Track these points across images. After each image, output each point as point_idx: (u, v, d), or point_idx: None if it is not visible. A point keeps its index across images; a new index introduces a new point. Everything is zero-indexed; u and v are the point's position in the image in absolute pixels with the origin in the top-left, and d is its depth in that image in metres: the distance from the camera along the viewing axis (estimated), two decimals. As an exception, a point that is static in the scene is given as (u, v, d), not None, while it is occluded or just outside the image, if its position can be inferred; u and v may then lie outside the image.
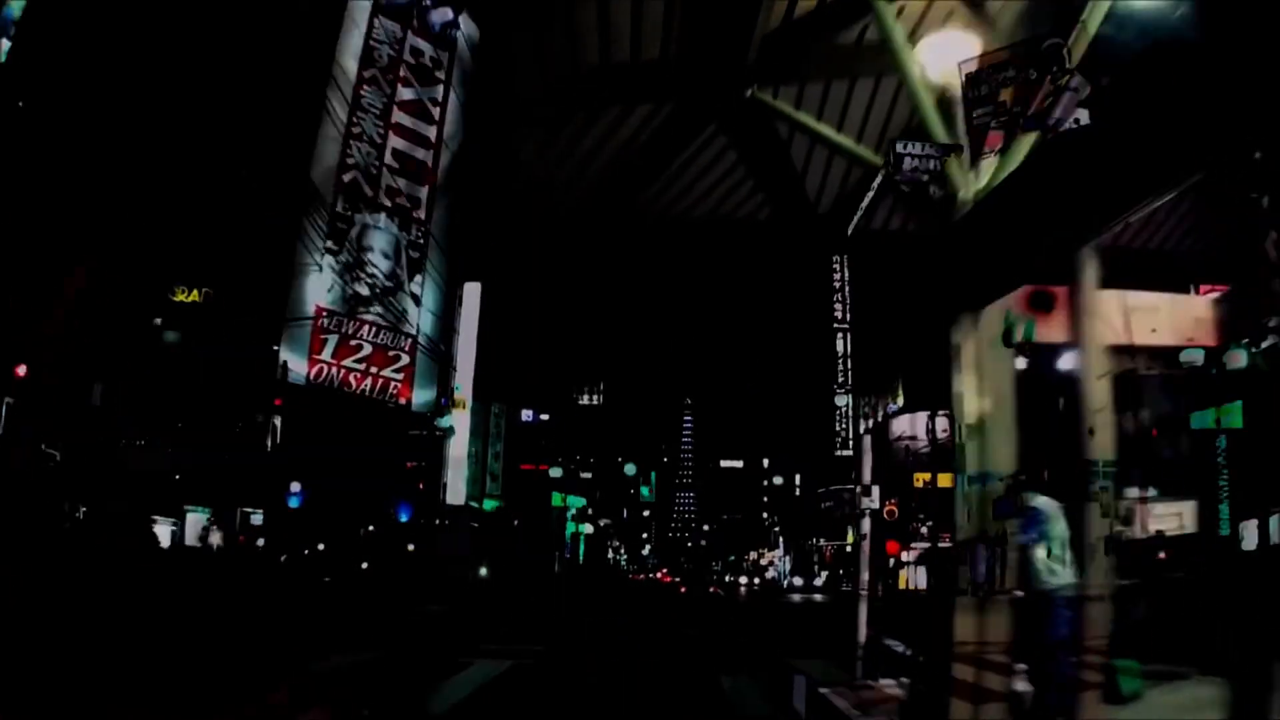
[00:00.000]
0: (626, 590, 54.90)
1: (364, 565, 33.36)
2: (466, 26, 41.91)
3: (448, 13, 41.32)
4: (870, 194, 59.11)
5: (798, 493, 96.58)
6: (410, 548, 36.74)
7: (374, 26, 38.31)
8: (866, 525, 10.83)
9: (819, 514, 78.96)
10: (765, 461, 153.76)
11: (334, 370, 33.63)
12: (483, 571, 39.62)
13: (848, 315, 79.90)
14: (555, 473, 57.93)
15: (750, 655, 14.94)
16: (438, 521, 38.49)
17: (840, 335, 79.09)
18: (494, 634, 16.14)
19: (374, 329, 35.09)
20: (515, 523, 50.42)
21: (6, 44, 16.23)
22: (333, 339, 33.82)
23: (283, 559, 26.52)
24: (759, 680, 11.81)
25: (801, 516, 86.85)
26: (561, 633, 18.08)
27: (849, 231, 66.20)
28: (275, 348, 32.57)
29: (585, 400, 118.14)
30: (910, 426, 53.63)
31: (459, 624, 18.50)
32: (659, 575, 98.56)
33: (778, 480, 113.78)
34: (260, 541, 26.76)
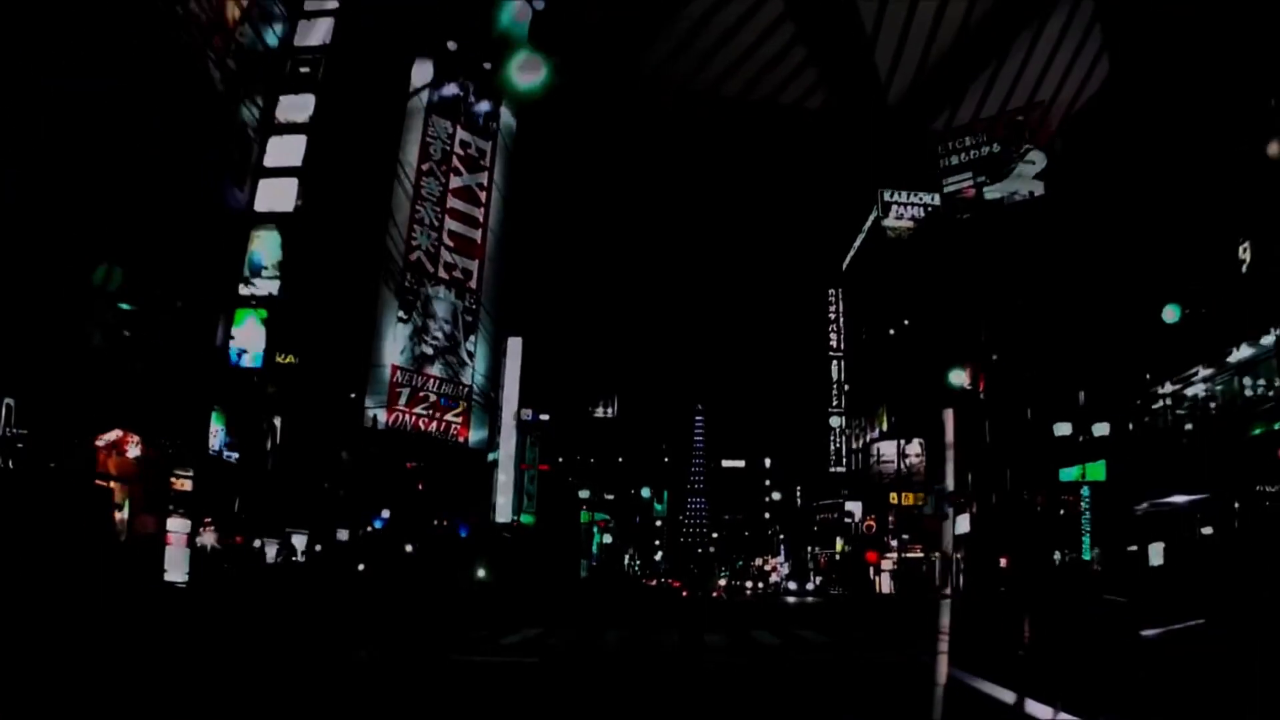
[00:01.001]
0: (641, 592, 62.82)
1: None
2: (505, 117, 50.01)
3: (487, 104, 49.31)
4: (861, 236, 70.10)
5: (799, 504, 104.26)
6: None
7: (429, 125, 46.26)
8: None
9: (814, 525, 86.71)
10: (767, 461, 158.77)
11: (407, 417, 41.59)
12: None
13: (842, 344, 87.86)
14: (584, 494, 66.01)
15: (727, 626, 22.66)
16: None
17: (835, 362, 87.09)
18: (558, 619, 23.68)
19: (438, 382, 43.07)
20: (535, 534, 57.38)
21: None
22: (405, 392, 41.78)
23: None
24: (728, 635, 19.59)
25: (800, 527, 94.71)
26: (602, 617, 25.66)
27: (843, 267, 76.17)
28: (353, 395, 40.39)
29: (600, 413, 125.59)
30: (888, 452, 61.14)
31: (526, 615, 25.85)
32: (670, 582, 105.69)
33: (776, 496, 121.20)
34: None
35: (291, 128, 24.38)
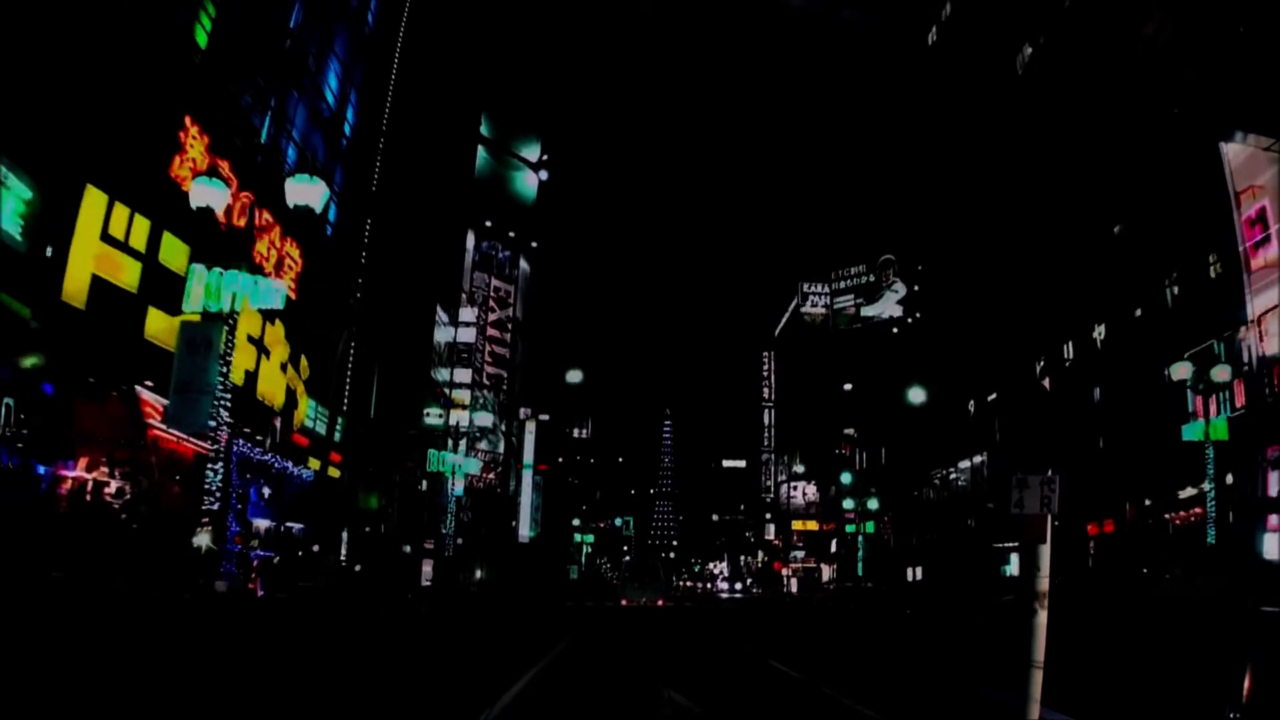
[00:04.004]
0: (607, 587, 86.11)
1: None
2: (522, 264, 72.98)
3: (508, 254, 72.20)
4: (787, 315, 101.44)
5: (742, 520, 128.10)
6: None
7: (473, 279, 68.96)
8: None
9: (750, 538, 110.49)
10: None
11: (470, 479, 64.33)
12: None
13: (773, 396, 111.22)
14: (575, 521, 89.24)
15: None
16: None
17: (766, 411, 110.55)
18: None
19: (486, 454, 65.88)
20: (538, 546, 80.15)
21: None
22: (465, 462, 64.44)
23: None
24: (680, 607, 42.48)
25: (738, 540, 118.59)
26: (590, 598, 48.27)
27: (776, 333, 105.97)
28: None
29: (576, 434, 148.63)
30: (792, 490, 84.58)
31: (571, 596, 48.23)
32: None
33: (715, 517, 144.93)
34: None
35: (462, 385, 47.50)
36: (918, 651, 14.35)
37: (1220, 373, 26.39)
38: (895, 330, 72.24)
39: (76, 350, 13.80)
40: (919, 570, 56.56)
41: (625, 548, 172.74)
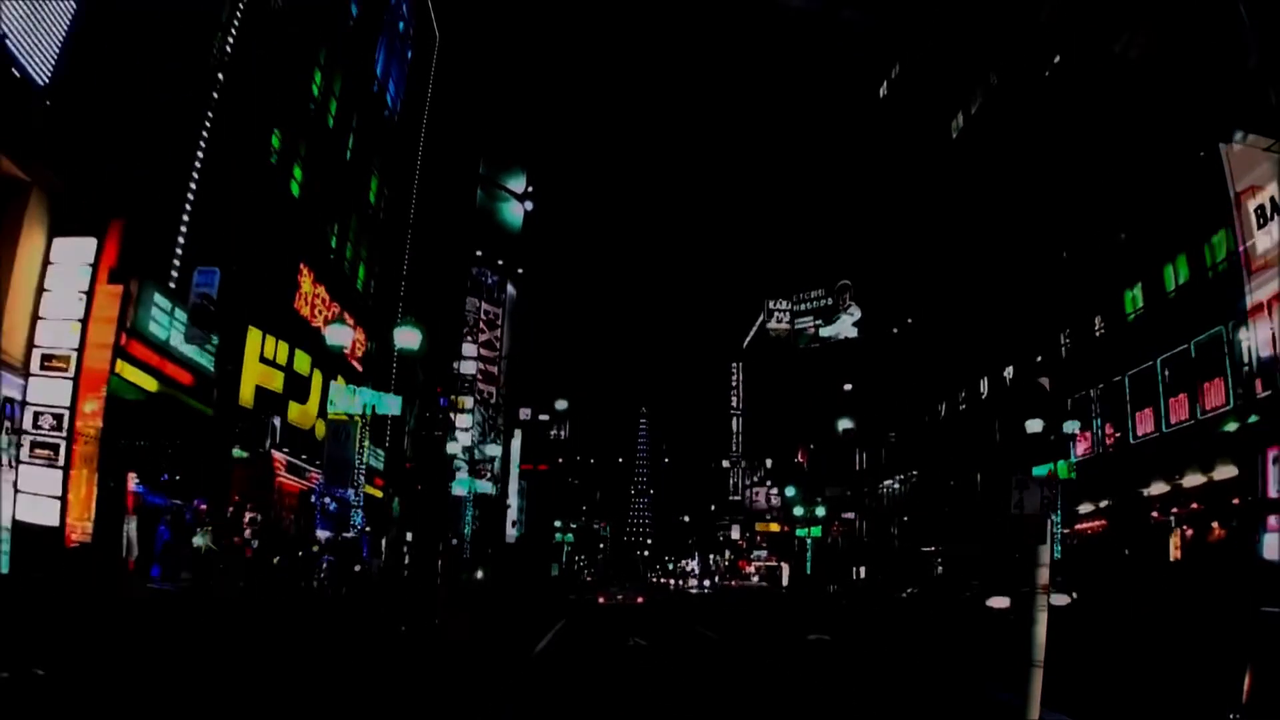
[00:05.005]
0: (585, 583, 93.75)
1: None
2: (509, 289, 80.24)
3: (495, 279, 79.46)
4: (754, 329, 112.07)
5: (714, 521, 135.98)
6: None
7: (467, 303, 76.15)
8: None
9: (719, 537, 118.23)
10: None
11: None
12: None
13: (740, 405, 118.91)
14: (558, 523, 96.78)
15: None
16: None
17: (734, 419, 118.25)
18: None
19: (479, 460, 73.06)
20: (523, 546, 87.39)
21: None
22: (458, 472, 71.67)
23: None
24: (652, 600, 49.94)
25: (708, 538, 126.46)
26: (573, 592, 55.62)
27: (744, 345, 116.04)
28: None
29: (553, 434, 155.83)
30: (755, 494, 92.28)
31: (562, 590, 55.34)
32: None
33: (686, 519, 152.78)
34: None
35: (465, 410, 54.85)
36: (778, 618, 23.50)
37: (1070, 427, 34.49)
38: (901, 336, 79.37)
39: (244, 432, 21.11)
40: (863, 570, 64.26)
41: (601, 545, 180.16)
